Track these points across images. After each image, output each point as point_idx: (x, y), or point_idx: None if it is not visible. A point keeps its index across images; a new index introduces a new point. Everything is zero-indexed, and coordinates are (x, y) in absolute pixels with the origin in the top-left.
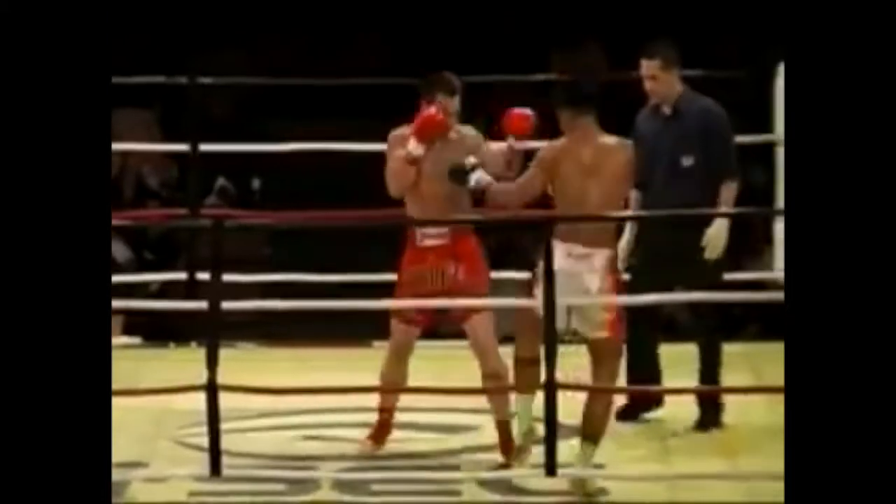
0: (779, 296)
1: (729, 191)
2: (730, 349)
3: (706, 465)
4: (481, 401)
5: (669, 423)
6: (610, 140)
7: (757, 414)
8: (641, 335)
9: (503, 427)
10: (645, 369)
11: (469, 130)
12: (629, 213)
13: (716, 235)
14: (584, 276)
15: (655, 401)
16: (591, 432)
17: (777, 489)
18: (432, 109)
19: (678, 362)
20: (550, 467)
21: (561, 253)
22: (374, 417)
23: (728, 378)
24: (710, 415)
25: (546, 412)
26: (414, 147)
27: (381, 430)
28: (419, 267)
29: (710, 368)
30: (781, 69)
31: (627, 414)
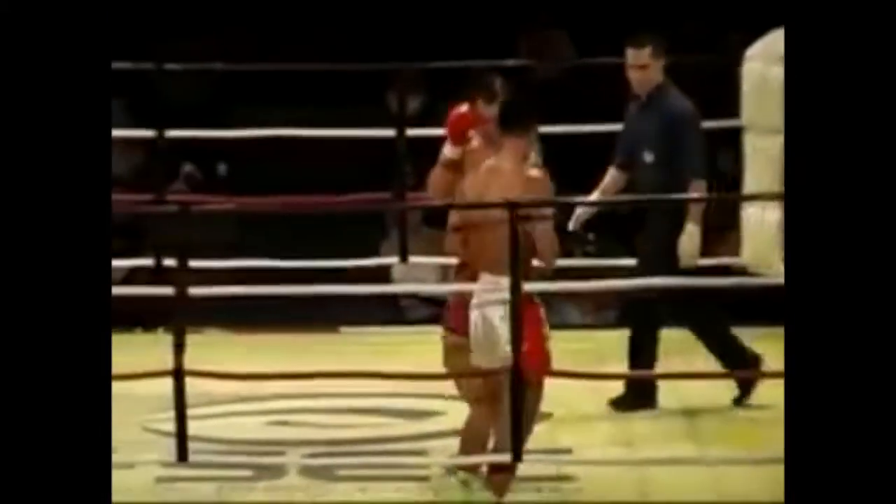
0: (745, 281)
1: (697, 190)
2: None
3: (672, 451)
4: (448, 386)
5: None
6: (512, 165)
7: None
8: (640, 324)
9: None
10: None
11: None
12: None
13: (689, 243)
14: (488, 307)
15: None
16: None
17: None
18: (462, 109)
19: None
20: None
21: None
22: (339, 403)
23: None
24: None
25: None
26: (449, 150)
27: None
28: None
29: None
30: (748, 54)
31: (620, 403)
